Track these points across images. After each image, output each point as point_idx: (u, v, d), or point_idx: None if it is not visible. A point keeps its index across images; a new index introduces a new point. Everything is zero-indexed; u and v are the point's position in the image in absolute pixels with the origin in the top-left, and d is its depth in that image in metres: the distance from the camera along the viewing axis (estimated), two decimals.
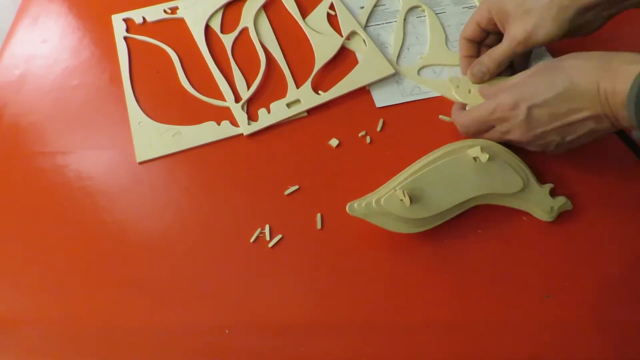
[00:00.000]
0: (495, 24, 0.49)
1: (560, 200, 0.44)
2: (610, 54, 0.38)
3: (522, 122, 0.41)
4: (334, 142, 0.50)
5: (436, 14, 0.61)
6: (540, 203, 0.44)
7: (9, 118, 0.54)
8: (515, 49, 0.46)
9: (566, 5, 0.43)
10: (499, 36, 0.50)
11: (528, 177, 0.44)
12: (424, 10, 0.61)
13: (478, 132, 0.46)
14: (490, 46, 0.50)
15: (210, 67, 0.57)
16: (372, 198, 0.43)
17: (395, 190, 0.42)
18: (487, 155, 0.42)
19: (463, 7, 0.62)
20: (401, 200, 0.42)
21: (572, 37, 0.46)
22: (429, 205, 0.42)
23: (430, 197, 0.42)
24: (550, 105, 0.39)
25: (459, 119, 0.47)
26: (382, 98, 0.54)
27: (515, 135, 0.43)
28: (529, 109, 0.40)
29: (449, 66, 0.56)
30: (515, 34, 0.46)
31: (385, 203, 0.42)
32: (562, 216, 0.45)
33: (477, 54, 0.51)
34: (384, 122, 0.52)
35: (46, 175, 0.50)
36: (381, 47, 0.58)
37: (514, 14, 0.45)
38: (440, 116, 0.51)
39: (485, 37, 0.51)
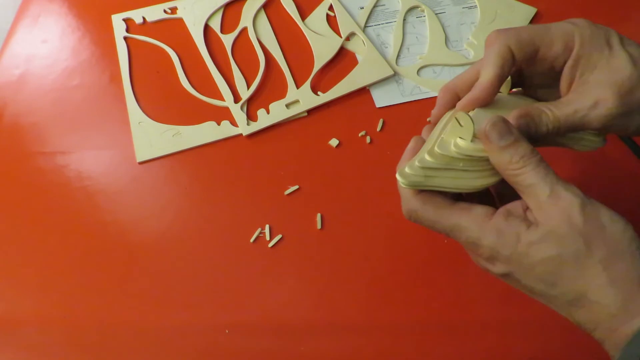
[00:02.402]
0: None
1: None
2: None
3: (494, 274, 0.31)
4: (334, 142, 0.50)
5: (436, 14, 0.61)
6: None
7: (9, 118, 0.54)
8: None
9: None
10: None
11: None
12: (423, 10, 0.61)
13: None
14: None
15: (209, 67, 0.57)
16: (419, 156, 0.31)
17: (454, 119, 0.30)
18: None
19: (463, 7, 0.62)
20: (462, 126, 0.30)
21: None
22: None
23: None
24: (534, 290, 0.29)
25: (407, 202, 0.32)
26: (382, 98, 0.54)
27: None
28: (508, 274, 0.29)
29: (449, 66, 0.56)
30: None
31: (441, 147, 0.30)
32: None
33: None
34: (384, 122, 0.52)
35: (46, 175, 0.50)
36: (381, 47, 0.58)
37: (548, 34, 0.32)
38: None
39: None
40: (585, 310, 0.27)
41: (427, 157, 0.31)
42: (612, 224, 0.26)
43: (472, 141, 0.30)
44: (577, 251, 0.26)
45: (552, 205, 0.27)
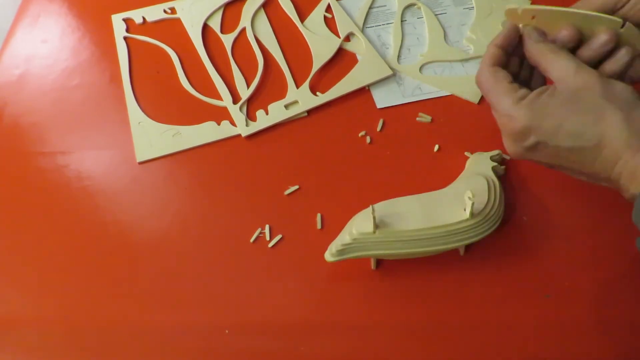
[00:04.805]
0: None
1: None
2: None
3: (523, 148, 0.37)
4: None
5: (436, 15, 0.61)
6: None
7: (9, 118, 0.54)
8: None
9: None
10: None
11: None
12: (420, 8, 0.61)
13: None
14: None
15: (207, 68, 0.57)
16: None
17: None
18: None
19: (464, 8, 0.62)
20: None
21: None
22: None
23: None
24: (560, 150, 0.36)
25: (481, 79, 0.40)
26: (382, 99, 0.54)
27: (505, 143, 0.39)
28: (537, 143, 0.36)
29: (450, 62, 0.56)
30: None
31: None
32: (562, 216, 0.45)
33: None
34: (384, 122, 0.52)
35: (46, 175, 0.50)
36: (382, 47, 0.58)
37: None
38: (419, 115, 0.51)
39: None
40: (607, 151, 0.34)
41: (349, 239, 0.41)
42: (624, 90, 0.35)
43: None
44: (595, 104, 0.34)
45: (577, 77, 0.35)
